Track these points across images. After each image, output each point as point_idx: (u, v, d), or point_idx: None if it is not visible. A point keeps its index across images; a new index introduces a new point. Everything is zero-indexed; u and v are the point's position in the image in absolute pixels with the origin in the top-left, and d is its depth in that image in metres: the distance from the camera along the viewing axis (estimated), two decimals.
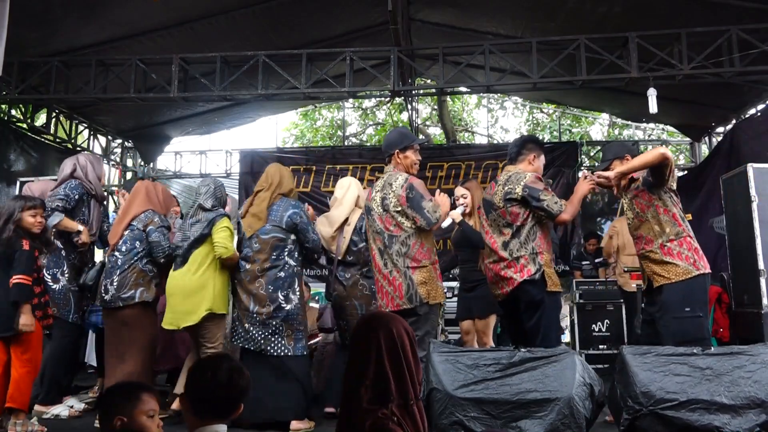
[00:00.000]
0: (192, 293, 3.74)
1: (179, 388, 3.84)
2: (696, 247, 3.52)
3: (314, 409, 3.97)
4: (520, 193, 3.50)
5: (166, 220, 4.09)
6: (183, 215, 4.04)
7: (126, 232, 3.93)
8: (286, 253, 3.76)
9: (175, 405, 4.11)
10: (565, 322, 9.83)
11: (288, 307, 3.68)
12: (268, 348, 3.67)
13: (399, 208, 3.47)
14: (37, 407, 4.00)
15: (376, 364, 1.79)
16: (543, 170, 3.78)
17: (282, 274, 3.71)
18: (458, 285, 5.20)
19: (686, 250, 3.47)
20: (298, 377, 3.70)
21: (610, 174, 3.54)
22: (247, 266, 3.81)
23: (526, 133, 15.50)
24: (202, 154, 10.92)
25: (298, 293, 3.75)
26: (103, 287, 3.91)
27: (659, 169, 3.46)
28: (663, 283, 3.48)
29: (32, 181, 5.31)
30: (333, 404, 4.07)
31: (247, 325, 3.76)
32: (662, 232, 3.49)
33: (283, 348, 3.67)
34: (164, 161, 11.03)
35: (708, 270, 3.51)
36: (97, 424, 3.68)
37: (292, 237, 3.81)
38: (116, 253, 3.92)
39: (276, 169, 4.00)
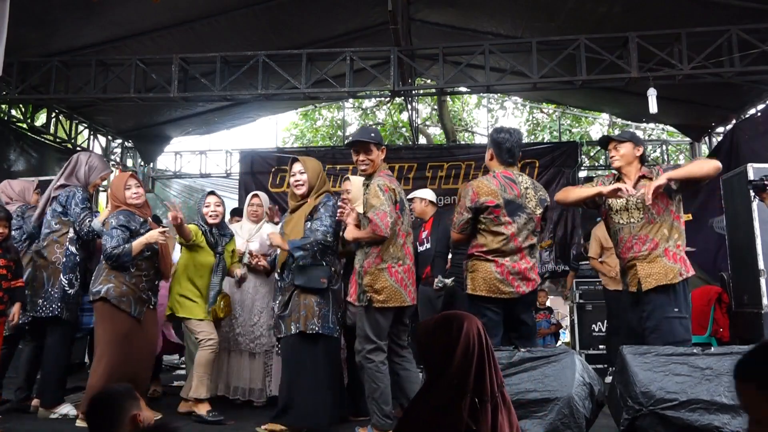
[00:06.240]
0: None
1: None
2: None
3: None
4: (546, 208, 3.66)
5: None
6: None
7: None
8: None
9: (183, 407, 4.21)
10: (565, 322, 9.83)
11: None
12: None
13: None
14: (42, 411, 3.98)
15: (462, 358, 1.74)
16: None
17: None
18: None
19: (681, 252, 3.47)
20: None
21: (661, 182, 3.33)
22: None
23: (525, 133, 15.52)
24: (202, 154, 10.91)
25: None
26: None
27: (701, 180, 3.42)
28: (656, 284, 3.40)
29: (32, 181, 5.28)
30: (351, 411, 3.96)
31: None
32: (670, 236, 3.44)
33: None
34: (164, 161, 11.04)
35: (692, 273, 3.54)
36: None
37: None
38: None
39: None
